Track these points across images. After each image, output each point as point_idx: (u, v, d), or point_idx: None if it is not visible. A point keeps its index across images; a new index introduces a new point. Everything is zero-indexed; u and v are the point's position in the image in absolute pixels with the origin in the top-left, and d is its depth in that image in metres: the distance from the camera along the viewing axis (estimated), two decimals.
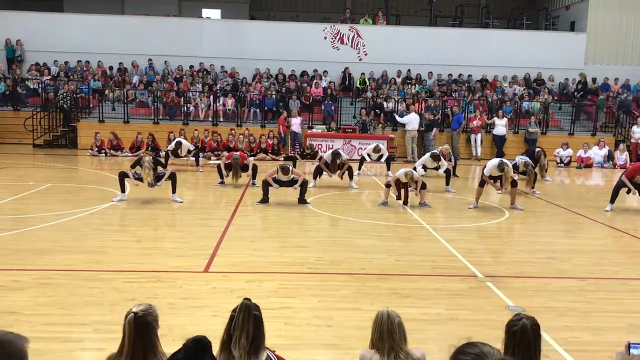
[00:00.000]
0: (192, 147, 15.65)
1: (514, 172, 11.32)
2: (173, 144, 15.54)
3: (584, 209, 11.25)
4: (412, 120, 19.24)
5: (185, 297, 5.69)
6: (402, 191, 10.88)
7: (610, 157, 19.23)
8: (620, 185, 11.07)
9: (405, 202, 10.92)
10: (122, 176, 10.55)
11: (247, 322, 2.98)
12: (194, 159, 15.64)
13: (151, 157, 10.69)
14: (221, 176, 12.78)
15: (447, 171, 13.03)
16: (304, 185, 10.78)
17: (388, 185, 10.90)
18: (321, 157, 13.21)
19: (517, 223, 10.07)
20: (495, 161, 10.98)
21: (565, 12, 26.11)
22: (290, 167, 10.89)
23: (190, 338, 3.02)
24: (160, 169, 10.70)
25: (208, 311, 5.33)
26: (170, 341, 4.17)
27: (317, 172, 13.00)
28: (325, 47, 23.71)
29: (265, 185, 10.72)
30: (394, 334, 3.21)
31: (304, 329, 5.05)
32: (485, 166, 11.17)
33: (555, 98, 22.75)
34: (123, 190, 10.58)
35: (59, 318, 5.11)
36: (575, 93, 22.82)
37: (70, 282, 6.04)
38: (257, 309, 3.10)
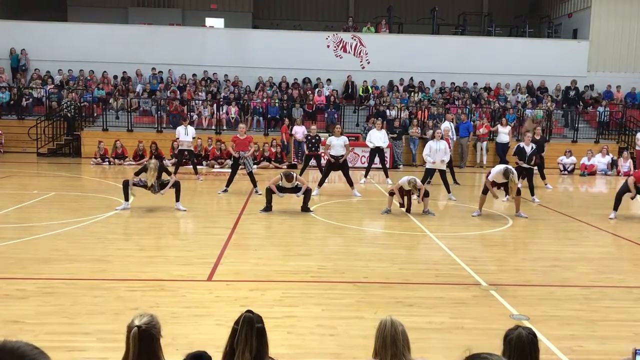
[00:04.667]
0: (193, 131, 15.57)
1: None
2: (180, 130, 15.28)
3: (588, 216, 11.21)
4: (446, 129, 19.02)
5: (188, 306, 5.68)
6: (405, 199, 10.89)
7: (614, 164, 19.19)
8: (622, 191, 11.03)
9: (408, 210, 10.92)
10: (126, 185, 10.57)
11: (249, 337, 2.96)
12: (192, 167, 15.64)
13: (157, 162, 10.71)
14: (228, 184, 12.82)
15: (444, 180, 12.96)
16: (307, 194, 10.78)
17: (392, 194, 10.89)
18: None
19: (520, 231, 10.04)
20: (500, 167, 10.93)
21: (568, 20, 26.15)
22: (294, 175, 10.88)
23: (190, 354, 3.01)
24: (165, 176, 10.69)
25: (211, 320, 5.32)
26: (173, 350, 4.18)
27: (324, 176, 13.05)
28: (328, 56, 23.80)
29: (269, 193, 10.72)
30: (397, 342, 3.19)
31: (307, 338, 5.03)
32: (489, 172, 11.15)
33: (564, 106, 22.77)
34: (127, 199, 10.59)
35: (63, 327, 5.10)
36: (580, 103, 22.83)
37: (74, 290, 6.04)
38: (260, 321, 3.07)
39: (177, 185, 10.71)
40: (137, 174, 10.64)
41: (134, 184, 10.51)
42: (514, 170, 10.81)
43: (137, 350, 2.83)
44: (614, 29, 24.25)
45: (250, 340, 2.95)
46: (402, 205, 10.92)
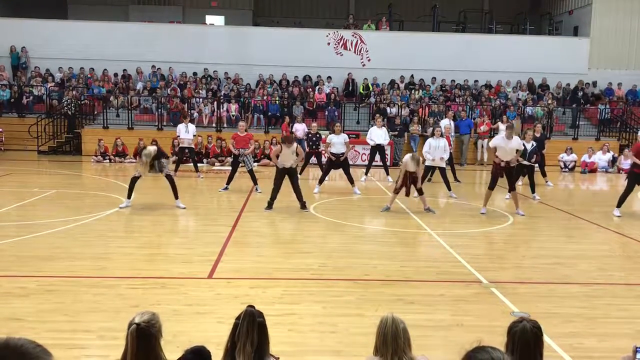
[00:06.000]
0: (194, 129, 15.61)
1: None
2: (181, 128, 15.27)
3: (589, 214, 11.21)
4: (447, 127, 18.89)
5: (189, 304, 5.68)
6: (407, 181, 10.67)
7: (614, 161, 19.18)
8: (629, 190, 10.98)
9: (407, 194, 10.81)
10: (134, 182, 10.45)
11: (251, 329, 2.98)
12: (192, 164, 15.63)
13: (156, 148, 10.62)
14: (228, 182, 12.82)
15: (444, 178, 12.92)
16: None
17: (396, 192, 10.79)
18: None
19: (521, 228, 10.04)
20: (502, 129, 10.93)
21: (569, 17, 26.12)
22: (294, 142, 10.89)
23: (189, 349, 3.01)
24: (164, 160, 10.62)
25: (212, 317, 5.32)
26: (174, 348, 4.17)
27: (324, 174, 13.05)
28: (328, 53, 23.76)
29: (277, 182, 10.63)
30: (398, 339, 3.18)
31: (308, 335, 5.04)
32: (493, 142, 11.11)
33: (573, 105, 22.71)
34: (129, 197, 10.55)
35: (64, 325, 5.11)
36: (582, 101, 22.76)
37: (75, 288, 6.05)
38: (261, 316, 3.09)
39: (171, 181, 10.61)
40: (137, 154, 10.56)
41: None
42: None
43: (135, 348, 2.83)
44: (615, 26, 24.20)
45: (252, 334, 2.97)
46: (407, 194, 10.83)
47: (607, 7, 24.12)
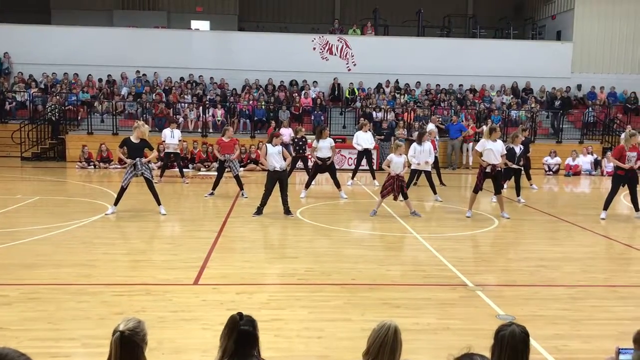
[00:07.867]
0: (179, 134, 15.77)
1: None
2: (167, 133, 15.32)
3: (573, 216, 11.32)
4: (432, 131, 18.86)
5: (174, 310, 5.64)
6: (395, 186, 10.66)
7: (597, 164, 19.38)
8: (614, 192, 11.10)
9: (395, 198, 10.80)
10: (123, 191, 10.40)
11: (225, 336, 3.00)
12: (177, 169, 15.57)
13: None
14: (214, 187, 12.76)
15: (430, 182, 12.94)
16: (285, 187, 10.72)
17: (384, 196, 10.79)
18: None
19: (506, 231, 10.11)
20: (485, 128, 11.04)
21: (552, 21, 26.41)
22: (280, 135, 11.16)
23: None
24: (148, 152, 10.58)
25: (198, 324, 5.29)
26: (159, 355, 4.15)
27: (311, 178, 13.05)
28: (314, 58, 23.82)
29: (269, 186, 10.61)
30: (395, 352, 3.14)
31: (294, 340, 5.02)
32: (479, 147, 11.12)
33: (548, 107, 22.92)
34: (116, 204, 10.45)
35: (47, 333, 5.05)
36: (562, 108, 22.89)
37: (58, 296, 5.98)
38: (248, 324, 3.08)
39: (150, 186, 10.52)
40: (120, 146, 10.90)
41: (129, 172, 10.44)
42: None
43: (118, 356, 2.81)
44: (597, 30, 24.53)
45: (225, 340, 2.98)
46: (395, 198, 10.81)
47: (589, 11, 24.44)
